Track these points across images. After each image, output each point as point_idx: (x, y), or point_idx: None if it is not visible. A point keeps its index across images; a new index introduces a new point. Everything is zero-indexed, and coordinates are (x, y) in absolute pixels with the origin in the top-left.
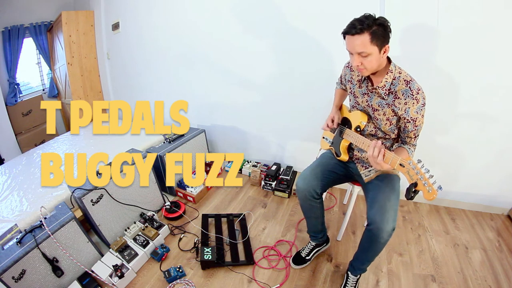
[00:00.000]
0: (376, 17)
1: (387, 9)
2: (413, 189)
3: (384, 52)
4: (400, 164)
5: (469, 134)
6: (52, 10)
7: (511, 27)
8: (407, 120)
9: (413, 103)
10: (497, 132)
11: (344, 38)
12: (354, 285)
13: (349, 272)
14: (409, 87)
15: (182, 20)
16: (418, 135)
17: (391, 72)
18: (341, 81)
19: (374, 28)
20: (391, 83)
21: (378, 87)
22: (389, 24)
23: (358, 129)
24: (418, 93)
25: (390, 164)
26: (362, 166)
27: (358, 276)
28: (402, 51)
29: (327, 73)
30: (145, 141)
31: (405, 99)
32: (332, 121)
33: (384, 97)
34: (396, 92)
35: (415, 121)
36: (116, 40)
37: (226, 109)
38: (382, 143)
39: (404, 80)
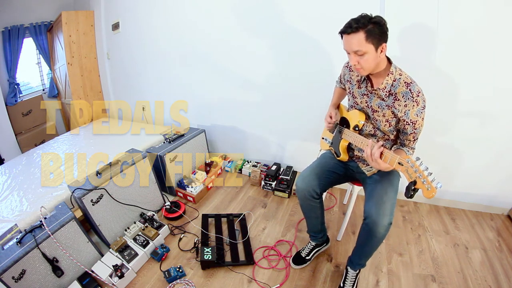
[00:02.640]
0: (373, 16)
1: (387, 11)
2: (413, 188)
3: (381, 51)
4: (399, 163)
5: (469, 134)
6: (52, 10)
7: (511, 27)
8: (407, 122)
9: (413, 105)
10: (497, 132)
11: (342, 38)
12: (354, 279)
13: (348, 267)
14: (410, 89)
15: (182, 20)
16: (417, 138)
17: (392, 74)
18: (340, 80)
19: (370, 27)
20: (392, 85)
21: (379, 88)
22: (385, 22)
23: (357, 129)
24: (418, 95)
25: (389, 163)
26: (364, 164)
27: (358, 271)
28: (402, 51)
29: (327, 74)
30: (145, 141)
31: (405, 101)
32: (331, 117)
33: (385, 98)
34: (396, 94)
35: (415, 124)
36: (116, 40)
37: (226, 109)
38: (382, 145)
39: (405, 82)
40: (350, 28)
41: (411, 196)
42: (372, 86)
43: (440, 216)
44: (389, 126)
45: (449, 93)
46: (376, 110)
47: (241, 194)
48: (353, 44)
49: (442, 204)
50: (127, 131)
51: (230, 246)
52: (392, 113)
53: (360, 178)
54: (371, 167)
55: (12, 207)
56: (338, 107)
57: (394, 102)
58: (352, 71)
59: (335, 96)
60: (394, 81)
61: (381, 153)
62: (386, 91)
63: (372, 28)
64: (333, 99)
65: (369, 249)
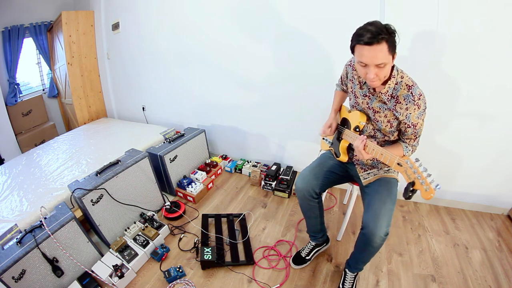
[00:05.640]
0: (383, 23)
1: (387, 11)
2: (411, 188)
3: (393, 59)
4: (398, 164)
5: (469, 134)
6: (52, 10)
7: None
8: (408, 125)
9: (414, 108)
10: (497, 133)
11: (353, 48)
12: (352, 281)
13: (346, 270)
14: (411, 92)
15: (182, 21)
16: (419, 136)
17: (394, 77)
18: (341, 81)
19: (389, 37)
20: (394, 88)
21: (381, 93)
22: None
23: (357, 130)
24: (419, 98)
25: (388, 163)
26: (362, 169)
27: (356, 273)
28: (402, 52)
29: (327, 74)
30: (145, 141)
31: (406, 104)
32: (329, 127)
33: (386, 102)
34: (398, 96)
35: (415, 126)
36: (116, 40)
37: (226, 109)
38: (382, 146)
39: (406, 85)
40: (374, 39)
41: (409, 197)
42: (374, 89)
43: (440, 216)
44: (391, 127)
45: (449, 94)
46: (377, 111)
47: (241, 194)
48: (377, 57)
49: (442, 204)
50: (127, 131)
51: (230, 246)
52: (393, 115)
53: (359, 183)
54: (368, 174)
55: (12, 207)
56: (339, 109)
57: (395, 105)
58: (355, 70)
59: (336, 100)
60: (396, 84)
61: (365, 145)
62: (388, 95)
63: (391, 38)
64: (334, 103)
65: (366, 256)
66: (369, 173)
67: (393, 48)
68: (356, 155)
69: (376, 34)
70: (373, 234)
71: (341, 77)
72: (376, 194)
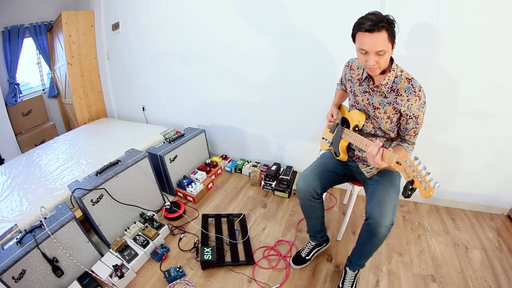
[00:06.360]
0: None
1: (387, 10)
2: (410, 187)
3: (392, 49)
4: (397, 162)
5: (469, 134)
6: (52, 10)
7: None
8: (410, 116)
9: (416, 99)
10: (497, 132)
11: (354, 37)
12: (353, 280)
13: (347, 268)
14: (411, 84)
15: (182, 20)
16: (417, 133)
17: (393, 71)
18: (341, 81)
19: (390, 26)
20: (393, 81)
21: (381, 84)
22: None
23: (357, 129)
24: (420, 90)
25: (387, 162)
26: (364, 164)
27: (356, 271)
28: (402, 51)
29: (328, 74)
30: (145, 141)
31: (407, 96)
32: (332, 116)
33: (386, 95)
34: (398, 89)
35: (417, 118)
36: (116, 40)
37: (226, 109)
38: (383, 145)
39: (406, 78)
40: (375, 26)
41: (409, 196)
42: (373, 83)
43: (440, 216)
44: (391, 123)
45: (449, 93)
46: (377, 107)
47: (241, 194)
48: (378, 44)
49: (442, 204)
50: (127, 131)
51: (230, 246)
52: (394, 109)
53: (360, 178)
54: (370, 169)
55: (12, 207)
56: (339, 107)
57: (396, 98)
58: (353, 69)
59: (337, 97)
60: (396, 77)
61: (381, 154)
62: (388, 87)
63: (391, 28)
64: (335, 100)
65: (370, 249)
66: (372, 168)
67: (392, 37)
68: (356, 154)
69: (376, 22)
70: (379, 223)
71: (341, 78)
72: (379, 184)
